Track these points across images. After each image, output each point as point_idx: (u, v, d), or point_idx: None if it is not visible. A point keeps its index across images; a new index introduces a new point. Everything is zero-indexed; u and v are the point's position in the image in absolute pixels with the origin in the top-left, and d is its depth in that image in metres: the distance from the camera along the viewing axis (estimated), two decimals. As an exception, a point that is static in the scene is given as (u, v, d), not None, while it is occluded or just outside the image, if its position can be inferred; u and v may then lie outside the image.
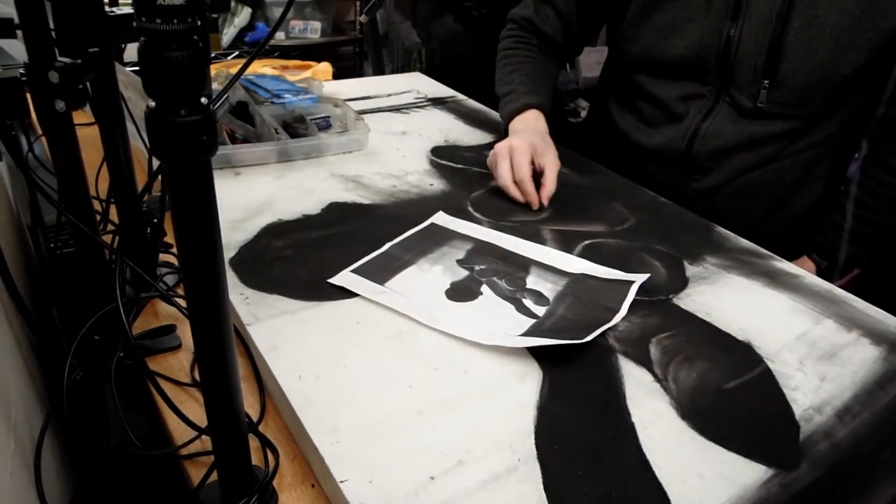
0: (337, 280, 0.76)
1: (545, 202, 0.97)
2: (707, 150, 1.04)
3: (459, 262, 0.81)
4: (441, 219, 0.91)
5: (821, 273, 1.04)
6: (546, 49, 1.17)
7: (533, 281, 0.79)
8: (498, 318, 0.72)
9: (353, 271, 0.77)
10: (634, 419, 0.60)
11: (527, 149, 0.98)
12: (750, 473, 0.56)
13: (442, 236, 0.87)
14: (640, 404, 0.62)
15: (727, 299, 0.78)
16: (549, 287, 0.78)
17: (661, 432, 0.59)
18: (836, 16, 0.92)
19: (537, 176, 0.98)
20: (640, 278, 0.79)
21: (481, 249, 0.85)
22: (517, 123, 1.08)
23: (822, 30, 0.93)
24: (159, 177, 0.65)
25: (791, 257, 0.94)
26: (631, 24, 1.06)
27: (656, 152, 1.09)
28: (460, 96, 1.45)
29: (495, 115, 1.35)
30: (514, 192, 0.98)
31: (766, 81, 0.97)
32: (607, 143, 1.18)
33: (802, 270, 0.85)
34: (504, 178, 0.98)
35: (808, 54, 0.94)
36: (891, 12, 0.91)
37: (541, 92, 1.12)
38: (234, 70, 1.29)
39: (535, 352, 0.67)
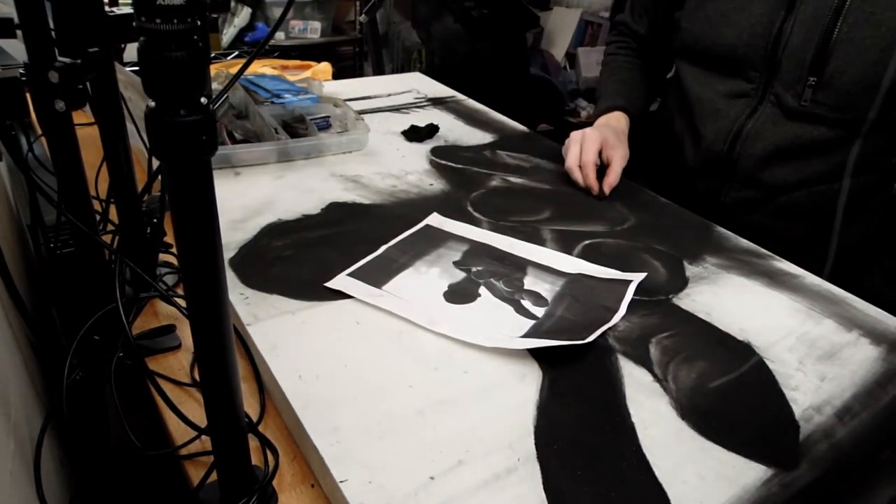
0: (334, 284, 0.75)
1: (606, 191, 1.02)
2: (748, 153, 1.01)
3: (456, 263, 0.81)
4: (435, 220, 0.91)
5: None
6: (642, 51, 1.21)
7: (530, 282, 0.79)
8: (497, 320, 0.72)
9: (349, 275, 0.77)
10: (634, 419, 0.60)
11: (597, 139, 1.04)
12: (750, 473, 0.56)
13: (437, 238, 0.87)
14: (640, 404, 0.62)
15: (727, 299, 0.78)
16: (546, 288, 0.78)
17: (661, 432, 0.59)
18: (893, 14, 0.88)
19: (605, 169, 1.04)
20: (637, 277, 0.79)
21: (477, 251, 0.85)
22: (600, 121, 1.15)
23: (877, 27, 0.89)
24: (159, 177, 0.65)
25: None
26: (686, 13, 1.06)
27: (698, 155, 1.08)
28: (460, 96, 1.45)
29: (495, 115, 1.35)
30: (577, 175, 1.04)
31: (812, 79, 0.94)
32: (658, 148, 1.19)
33: (802, 271, 0.85)
34: (570, 160, 1.04)
35: (857, 52, 0.90)
36: None
37: (629, 95, 1.17)
38: (233, 70, 1.29)
39: (534, 352, 0.67)
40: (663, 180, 1.13)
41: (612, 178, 1.02)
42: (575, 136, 1.06)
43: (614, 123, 1.12)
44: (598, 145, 1.03)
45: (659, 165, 1.17)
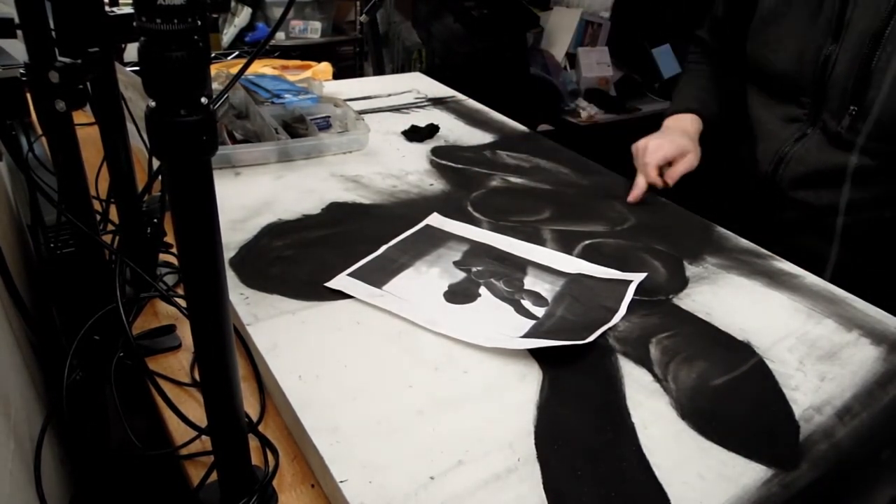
0: (334, 284, 0.75)
1: (669, 182, 1.01)
2: (790, 176, 1.01)
3: (456, 263, 0.81)
4: (436, 220, 0.91)
5: None
6: (720, 64, 1.19)
7: (531, 282, 0.79)
8: (497, 321, 0.72)
9: (349, 275, 0.77)
10: (634, 419, 0.60)
11: (661, 146, 1.03)
12: (750, 473, 0.56)
13: (437, 238, 0.87)
14: (640, 404, 0.62)
15: (727, 299, 0.78)
16: (546, 288, 0.78)
17: (661, 432, 0.59)
18: None
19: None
20: (637, 277, 0.79)
21: (477, 251, 0.85)
22: (669, 121, 1.13)
23: None
24: (159, 177, 0.65)
25: None
26: (750, 36, 1.05)
27: (752, 177, 1.08)
28: (460, 96, 1.45)
29: (495, 115, 1.35)
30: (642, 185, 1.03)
31: (853, 108, 0.92)
32: (721, 169, 1.17)
33: (802, 271, 0.85)
34: (639, 178, 1.03)
35: (894, 82, 0.88)
36: None
37: (704, 100, 1.15)
38: (234, 70, 1.29)
39: (535, 352, 0.67)
40: (728, 201, 1.12)
41: (667, 179, 1.02)
42: (640, 143, 1.05)
43: (686, 125, 1.11)
44: (661, 154, 1.02)
45: (724, 186, 1.16)
